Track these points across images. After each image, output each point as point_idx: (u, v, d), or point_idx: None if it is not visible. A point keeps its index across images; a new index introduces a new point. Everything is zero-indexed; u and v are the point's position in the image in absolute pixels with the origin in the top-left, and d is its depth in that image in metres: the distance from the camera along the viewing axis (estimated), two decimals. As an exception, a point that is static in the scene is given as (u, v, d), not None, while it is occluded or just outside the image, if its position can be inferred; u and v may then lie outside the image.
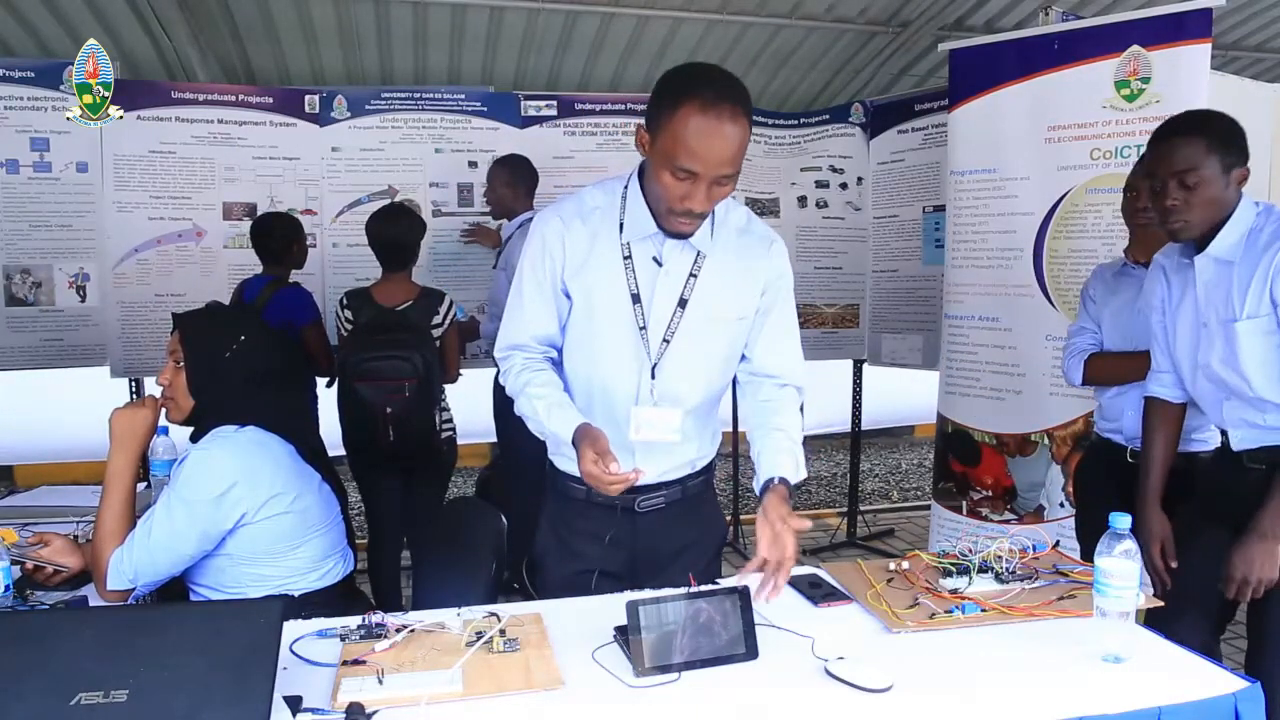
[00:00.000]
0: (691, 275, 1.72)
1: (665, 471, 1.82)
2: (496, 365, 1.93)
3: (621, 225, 1.71)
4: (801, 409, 1.82)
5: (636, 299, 1.71)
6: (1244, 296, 1.88)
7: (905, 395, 6.61)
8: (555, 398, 1.72)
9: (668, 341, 1.73)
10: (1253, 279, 1.86)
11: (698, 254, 1.72)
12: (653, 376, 1.73)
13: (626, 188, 1.73)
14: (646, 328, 1.71)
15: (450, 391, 3.42)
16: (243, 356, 1.88)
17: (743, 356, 1.84)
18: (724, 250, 1.74)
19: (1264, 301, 1.86)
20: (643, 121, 1.62)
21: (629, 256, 1.71)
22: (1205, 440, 2.30)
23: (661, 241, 1.71)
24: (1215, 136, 1.86)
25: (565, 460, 1.85)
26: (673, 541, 1.87)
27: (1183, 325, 2.03)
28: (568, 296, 1.75)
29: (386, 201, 4.06)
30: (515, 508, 2.21)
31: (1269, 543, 1.84)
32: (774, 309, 1.81)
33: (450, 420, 3.35)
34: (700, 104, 1.51)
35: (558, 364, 1.82)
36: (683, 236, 1.68)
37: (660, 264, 1.71)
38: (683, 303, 1.72)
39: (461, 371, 3.53)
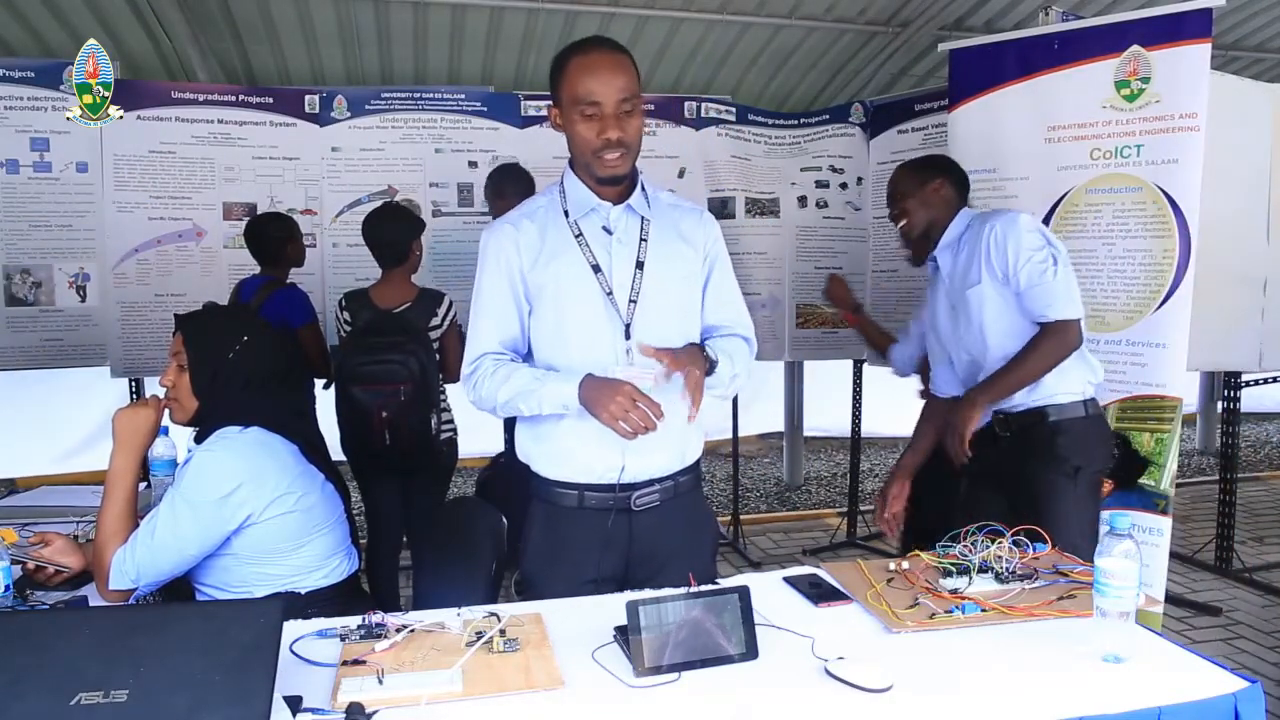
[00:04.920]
0: (642, 240, 1.85)
1: (656, 462, 1.85)
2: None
3: (566, 212, 1.84)
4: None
5: (597, 269, 1.81)
6: (968, 269, 2.45)
7: (906, 404, 6.60)
8: (540, 372, 1.79)
9: (634, 301, 1.82)
10: (974, 254, 2.42)
11: (642, 219, 1.86)
12: (627, 336, 1.80)
13: (562, 180, 1.88)
14: (613, 293, 1.81)
15: (454, 398, 3.42)
16: (246, 358, 1.88)
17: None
18: (662, 218, 1.89)
19: (982, 270, 2.40)
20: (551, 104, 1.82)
21: (580, 234, 1.83)
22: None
23: (607, 212, 1.84)
24: (891, 190, 2.66)
25: (551, 466, 1.86)
26: (667, 543, 1.87)
27: (941, 314, 2.58)
28: (529, 299, 1.83)
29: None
30: (518, 508, 2.19)
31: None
32: (715, 270, 1.94)
33: (451, 421, 3.35)
34: (580, 52, 1.76)
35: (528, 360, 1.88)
36: (620, 180, 1.80)
37: (610, 232, 1.83)
38: (640, 264, 1.83)
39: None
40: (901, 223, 2.62)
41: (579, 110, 1.73)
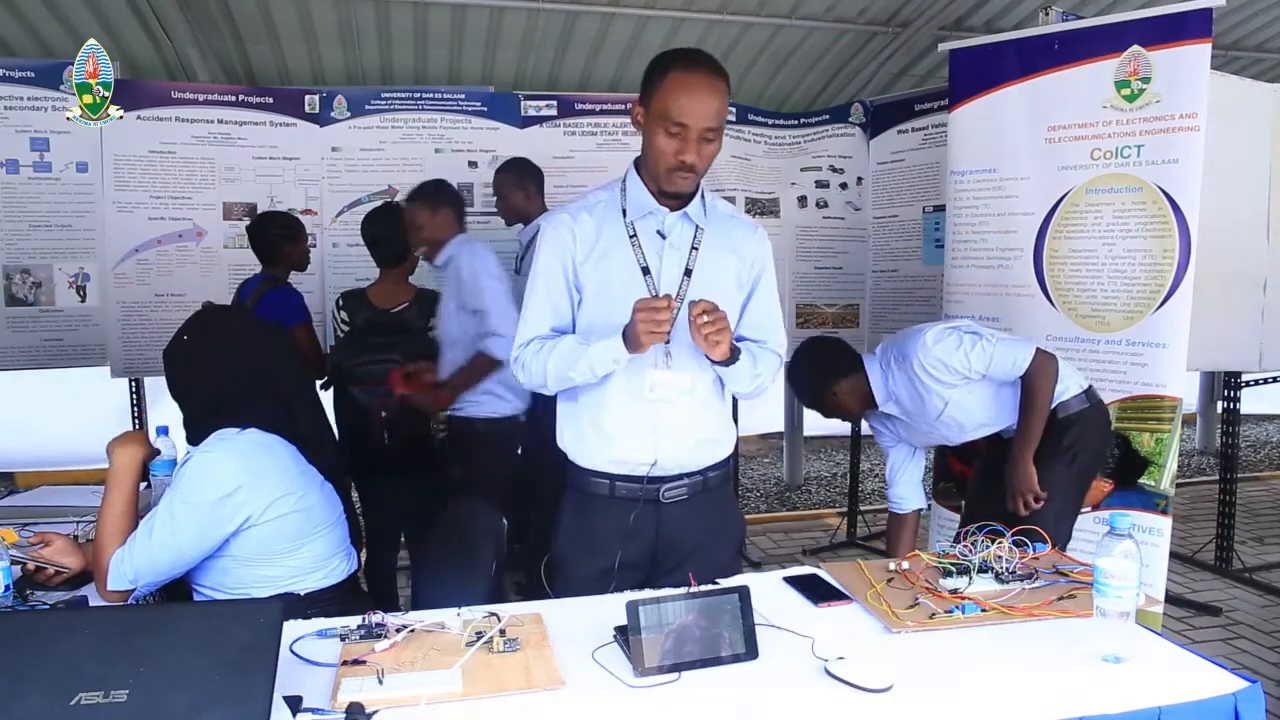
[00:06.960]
0: (693, 248, 1.88)
1: (687, 458, 1.90)
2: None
3: (624, 211, 1.88)
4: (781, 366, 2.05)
5: (646, 271, 1.86)
6: (923, 404, 2.64)
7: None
8: (582, 338, 1.83)
9: (678, 307, 1.80)
10: (920, 391, 2.61)
11: (696, 228, 1.89)
12: (668, 340, 1.80)
13: (625, 178, 1.91)
14: (659, 295, 1.82)
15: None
16: (236, 357, 1.88)
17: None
18: (716, 228, 1.92)
19: (943, 394, 2.61)
20: (637, 98, 1.83)
21: (634, 235, 1.87)
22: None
23: (663, 217, 1.87)
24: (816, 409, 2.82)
25: (588, 456, 1.91)
26: (693, 537, 1.91)
27: (922, 438, 2.80)
28: (579, 289, 1.87)
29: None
30: (539, 507, 2.20)
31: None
32: (760, 286, 1.97)
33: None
34: (683, 67, 1.77)
35: None
36: (682, 195, 1.84)
37: (664, 236, 1.87)
38: (688, 272, 1.87)
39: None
40: (848, 421, 3.00)
41: (665, 125, 1.76)
